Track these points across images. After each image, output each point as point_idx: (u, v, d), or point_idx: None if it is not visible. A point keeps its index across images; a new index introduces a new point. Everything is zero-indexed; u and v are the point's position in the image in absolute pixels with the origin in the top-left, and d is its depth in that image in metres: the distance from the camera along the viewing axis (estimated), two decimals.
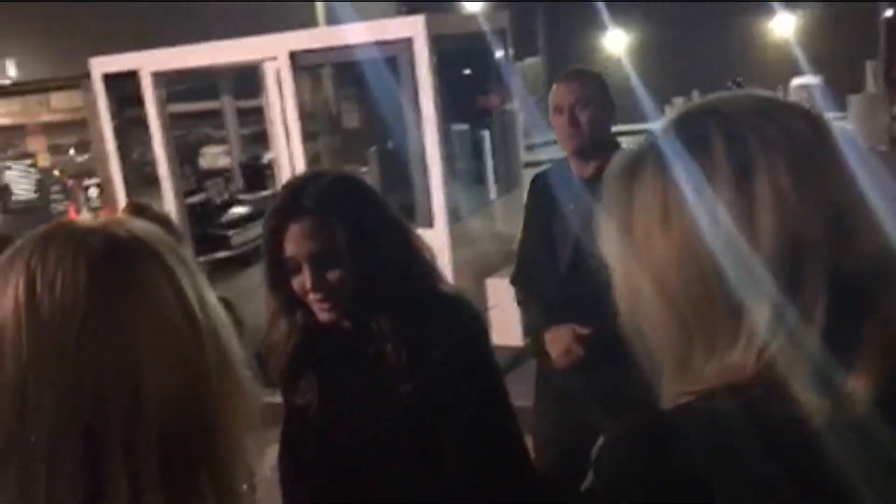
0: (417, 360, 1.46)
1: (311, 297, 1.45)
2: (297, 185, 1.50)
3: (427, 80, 4.36)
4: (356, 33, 4.56)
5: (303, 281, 1.45)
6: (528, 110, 15.11)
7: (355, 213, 1.47)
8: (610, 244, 0.82)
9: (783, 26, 16.11)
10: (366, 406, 1.52)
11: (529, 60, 16.59)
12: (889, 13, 16.87)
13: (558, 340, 2.37)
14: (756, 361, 0.73)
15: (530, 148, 15.11)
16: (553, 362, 2.39)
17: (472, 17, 5.75)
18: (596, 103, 2.37)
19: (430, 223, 4.47)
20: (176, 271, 0.73)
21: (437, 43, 4.45)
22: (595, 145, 2.37)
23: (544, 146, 14.76)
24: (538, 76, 17.67)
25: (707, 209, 0.74)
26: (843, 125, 10.88)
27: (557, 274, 2.41)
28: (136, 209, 2.86)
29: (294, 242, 1.44)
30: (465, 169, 5.68)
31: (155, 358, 0.68)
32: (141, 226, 0.77)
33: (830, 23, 16.60)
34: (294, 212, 1.44)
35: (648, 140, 0.81)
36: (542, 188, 2.57)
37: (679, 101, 13.68)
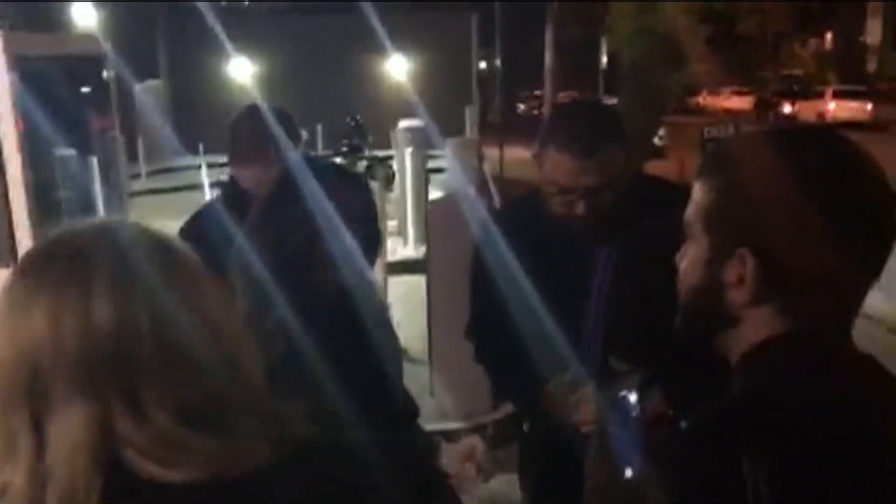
0: None
1: None
2: None
3: (6, 101, 4.06)
4: None
5: None
6: (150, 134, 14.45)
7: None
8: None
9: (397, 69, 17.47)
10: None
11: (151, 82, 15.97)
12: (483, 66, 19.19)
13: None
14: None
15: (152, 174, 14.44)
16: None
17: (67, 40, 5.45)
18: None
19: (12, 259, 4.07)
20: None
21: (24, 63, 4.18)
22: None
23: (161, 174, 14.10)
24: (162, 99, 17.06)
25: None
26: (442, 165, 12.06)
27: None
28: None
29: None
30: (72, 198, 5.35)
31: None
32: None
33: (437, 69, 18.43)
34: None
35: None
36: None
37: (304, 135, 14.11)
